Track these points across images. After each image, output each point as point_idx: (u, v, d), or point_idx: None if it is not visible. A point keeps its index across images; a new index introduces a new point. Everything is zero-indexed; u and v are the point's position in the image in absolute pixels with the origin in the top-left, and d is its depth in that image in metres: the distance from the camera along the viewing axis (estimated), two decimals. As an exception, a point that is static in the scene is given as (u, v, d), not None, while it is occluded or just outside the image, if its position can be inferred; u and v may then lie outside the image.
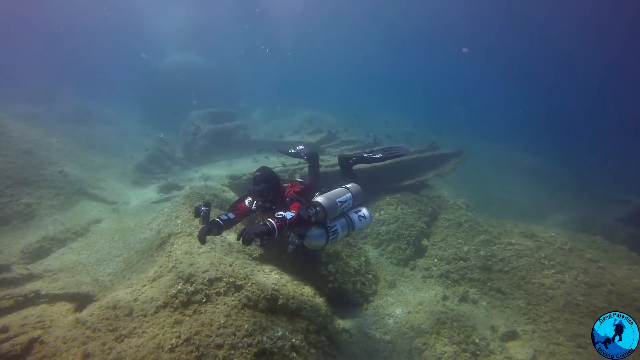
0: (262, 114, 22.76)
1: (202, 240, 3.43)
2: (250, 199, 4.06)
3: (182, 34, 27.35)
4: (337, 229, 4.08)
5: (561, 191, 16.41)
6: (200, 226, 3.60)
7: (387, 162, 8.90)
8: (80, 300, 4.78)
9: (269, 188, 3.84)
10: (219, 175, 11.65)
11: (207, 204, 3.64)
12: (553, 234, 7.22)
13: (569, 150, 26.01)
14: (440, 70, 55.03)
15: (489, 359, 4.79)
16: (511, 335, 5.36)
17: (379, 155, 5.25)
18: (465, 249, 7.16)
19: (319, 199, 4.07)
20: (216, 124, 16.46)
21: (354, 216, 4.30)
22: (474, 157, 12.51)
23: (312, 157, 5.37)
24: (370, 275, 6.33)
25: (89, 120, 18.20)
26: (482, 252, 6.99)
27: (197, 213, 3.61)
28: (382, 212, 8.17)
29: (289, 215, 3.51)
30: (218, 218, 3.66)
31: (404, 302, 6.00)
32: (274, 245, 5.35)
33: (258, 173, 3.91)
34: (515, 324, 5.61)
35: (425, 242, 7.63)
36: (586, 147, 28.09)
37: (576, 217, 12.00)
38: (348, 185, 4.53)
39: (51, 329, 3.69)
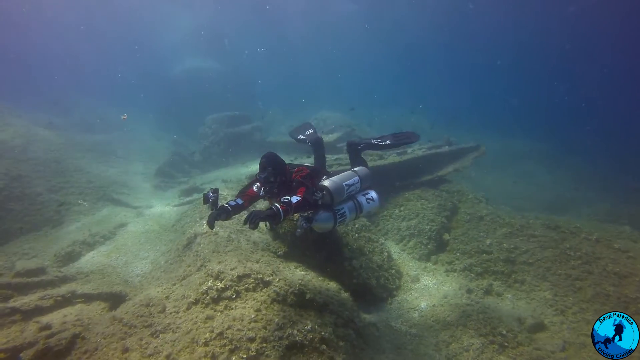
0: (277, 115, 22.97)
1: (211, 225, 3.49)
2: (258, 184, 4.07)
3: (195, 39, 27.77)
4: (344, 212, 4.11)
5: (582, 182, 16.03)
6: (209, 212, 3.65)
7: (404, 158, 9.01)
8: (114, 300, 4.97)
9: (275, 173, 3.84)
10: (237, 176, 11.83)
11: (215, 190, 3.71)
12: (578, 225, 7.09)
13: (589, 138, 25.15)
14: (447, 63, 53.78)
15: (518, 350, 4.74)
16: (539, 327, 5.29)
17: (387, 142, 5.09)
18: (488, 242, 7.09)
19: (326, 182, 4.11)
20: (232, 127, 16.70)
21: (362, 199, 4.31)
22: (490, 151, 12.32)
23: (317, 144, 5.26)
24: (394, 271, 6.35)
25: (109, 128, 18.69)
26: (504, 245, 6.92)
27: (205, 199, 3.67)
28: (402, 208, 8.17)
29: (294, 199, 3.55)
30: (227, 204, 3.70)
31: (428, 296, 6.00)
32: (300, 245, 5.43)
33: (264, 159, 3.91)
34: (543, 316, 5.54)
35: (446, 236, 7.60)
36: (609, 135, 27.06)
37: (601, 208, 11.73)
38: (356, 169, 4.54)
39: (90, 326, 3.85)
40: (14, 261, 6.51)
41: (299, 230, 3.95)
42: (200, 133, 17.69)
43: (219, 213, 3.56)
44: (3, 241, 7.53)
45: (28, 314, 4.33)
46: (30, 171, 9.93)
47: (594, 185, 15.54)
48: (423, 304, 5.75)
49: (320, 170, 4.56)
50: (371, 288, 5.63)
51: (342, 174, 4.39)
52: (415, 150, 9.98)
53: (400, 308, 5.69)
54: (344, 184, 4.17)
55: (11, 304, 4.42)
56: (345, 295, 4.77)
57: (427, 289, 6.31)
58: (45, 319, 4.15)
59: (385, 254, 6.53)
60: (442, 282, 6.54)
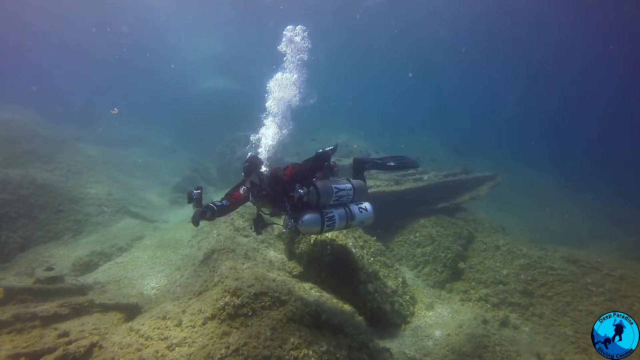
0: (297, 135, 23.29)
1: (196, 222, 3.47)
2: (244, 187, 3.99)
3: (217, 60, 28.70)
4: (334, 217, 3.89)
5: (602, 217, 15.67)
6: (194, 210, 3.59)
7: (420, 184, 9.01)
8: (130, 311, 5.01)
9: (260, 176, 3.79)
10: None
11: (199, 188, 3.69)
12: (599, 260, 6.92)
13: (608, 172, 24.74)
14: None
15: (537, 387, 4.59)
16: (559, 364, 5.12)
17: (391, 163, 4.91)
18: (505, 272, 6.96)
19: (317, 182, 3.95)
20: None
21: (354, 207, 4.13)
22: (507, 181, 12.24)
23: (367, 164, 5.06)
24: (408, 297, 6.26)
25: (129, 143, 19.24)
26: (522, 276, 6.78)
27: (190, 198, 3.63)
28: (417, 234, 8.11)
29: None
30: (212, 203, 3.69)
31: (442, 325, 5.87)
32: (315, 267, 5.43)
33: (247, 163, 3.85)
34: (563, 352, 5.35)
35: (462, 264, 7.49)
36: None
37: (624, 243, 11.39)
38: (352, 180, 4.40)
39: (107, 336, 3.89)
40: (34, 268, 6.64)
41: (285, 231, 3.89)
42: (218, 152, 18.02)
43: (204, 211, 3.54)
44: (25, 248, 7.71)
45: (47, 321, 4.40)
46: (54, 181, 10.24)
47: (616, 219, 15.17)
48: (437, 333, 5.63)
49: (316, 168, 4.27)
50: (385, 313, 5.56)
51: (334, 179, 4.26)
52: (431, 177, 9.99)
53: (414, 335, 5.58)
54: (333, 186, 4.02)
55: (31, 309, 4.50)
56: (359, 318, 4.73)
57: (441, 317, 6.18)
58: (63, 326, 4.20)
59: (400, 279, 6.46)
60: (457, 311, 6.41)
